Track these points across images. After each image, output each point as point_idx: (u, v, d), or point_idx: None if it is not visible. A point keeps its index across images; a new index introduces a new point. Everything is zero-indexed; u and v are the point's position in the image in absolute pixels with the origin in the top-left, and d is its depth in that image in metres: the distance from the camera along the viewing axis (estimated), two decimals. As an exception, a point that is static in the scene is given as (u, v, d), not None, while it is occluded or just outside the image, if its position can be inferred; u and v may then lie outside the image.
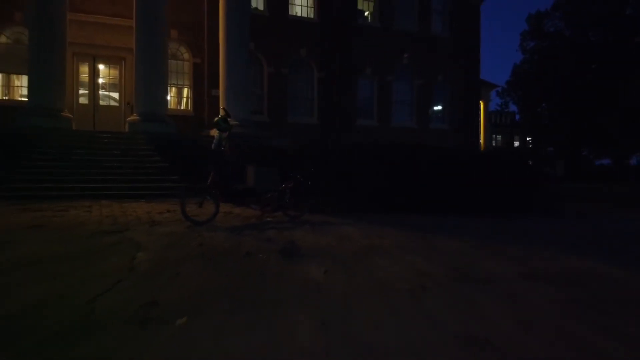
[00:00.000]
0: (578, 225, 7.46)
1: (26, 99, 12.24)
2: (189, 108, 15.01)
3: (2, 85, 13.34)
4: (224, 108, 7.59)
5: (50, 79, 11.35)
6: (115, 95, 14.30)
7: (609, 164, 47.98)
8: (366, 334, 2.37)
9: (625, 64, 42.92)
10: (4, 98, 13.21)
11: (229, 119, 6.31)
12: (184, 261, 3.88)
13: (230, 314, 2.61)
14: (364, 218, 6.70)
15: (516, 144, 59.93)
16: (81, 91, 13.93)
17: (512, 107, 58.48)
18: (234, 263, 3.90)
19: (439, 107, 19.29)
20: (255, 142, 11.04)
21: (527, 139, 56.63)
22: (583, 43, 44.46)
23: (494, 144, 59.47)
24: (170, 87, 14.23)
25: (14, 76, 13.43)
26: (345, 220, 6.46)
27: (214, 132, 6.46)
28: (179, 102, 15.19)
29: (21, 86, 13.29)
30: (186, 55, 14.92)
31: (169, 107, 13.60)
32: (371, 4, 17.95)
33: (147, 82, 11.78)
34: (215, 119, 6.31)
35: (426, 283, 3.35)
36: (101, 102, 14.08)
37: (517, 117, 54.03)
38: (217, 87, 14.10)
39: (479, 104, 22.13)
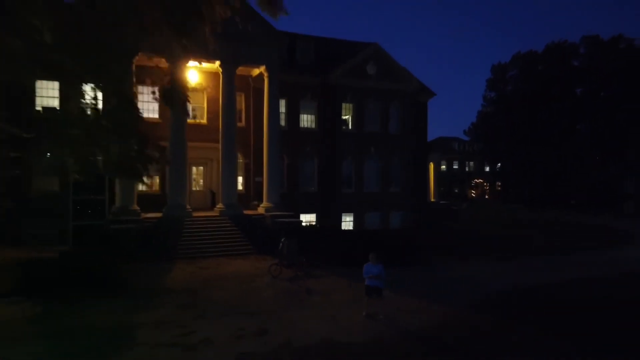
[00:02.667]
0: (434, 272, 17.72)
1: (151, 190, 22.91)
2: (242, 189, 25.34)
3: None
4: (282, 240, 17.62)
5: (181, 184, 21.45)
6: (202, 184, 24.69)
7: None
8: (335, 313, 12.56)
9: (569, 112, 53.12)
10: (149, 190, 23.55)
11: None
12: (278, 293, 14.16)
13: (297, 310, 12.85)
14: (339, 273, 16.90)
15: (487, 168, 70.21)
16: (181, 182, 24.22)
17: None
18: (290, 294, 14.17)
19: (395, 177, 29.57)
20: (283, 219, 21.36)
21: (498, 164, 66.79)
22: (532, 93, 54.38)
23: (466, 170, 70.07)
24: (231, 178, 24.52)
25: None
26: (330, 273, 16.68)
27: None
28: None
29: (152, 183, 23.66)
30: (240, 158, 25.24)
31: (232, 191, 23.90)
32: (350, 117, 28.27)
33: (227, 184, 22.06)
34: (283, 239, 16.69)
35: (355, 300, 13.62)
36: (193, 189, 24.43)
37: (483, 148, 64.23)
38: (258, 175, 24.52)
39: (427, 169, 32.41)
